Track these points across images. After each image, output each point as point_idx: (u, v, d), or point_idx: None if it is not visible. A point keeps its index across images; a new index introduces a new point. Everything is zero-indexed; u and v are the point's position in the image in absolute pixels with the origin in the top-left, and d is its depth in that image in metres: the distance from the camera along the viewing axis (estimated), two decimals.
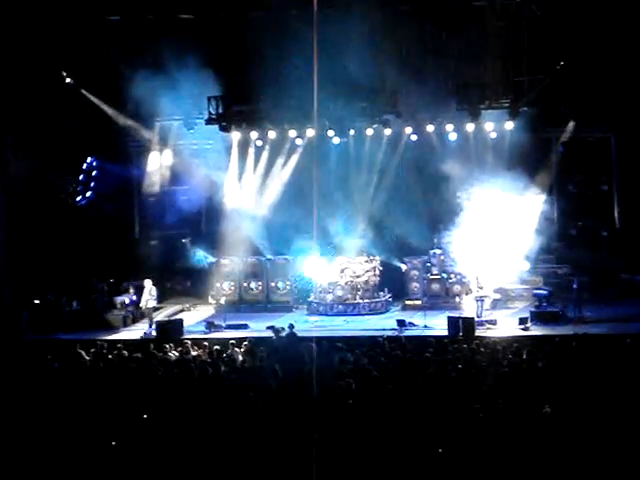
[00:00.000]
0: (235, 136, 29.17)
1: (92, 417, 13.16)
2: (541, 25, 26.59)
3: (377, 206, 29.13)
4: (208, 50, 27.35)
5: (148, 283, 26.03)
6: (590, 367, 15.62)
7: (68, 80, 28.23)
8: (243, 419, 12.65)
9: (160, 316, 26.64)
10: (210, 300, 28.83)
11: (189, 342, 20.65)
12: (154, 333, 24.12)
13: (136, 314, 26.93)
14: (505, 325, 24.14)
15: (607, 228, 29.77)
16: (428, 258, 28.46)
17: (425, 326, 24.48)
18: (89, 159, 29.92)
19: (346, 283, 28.14)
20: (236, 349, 19.65)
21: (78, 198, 29.58)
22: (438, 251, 28.11)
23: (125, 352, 19.16)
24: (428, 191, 27.97)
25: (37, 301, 25.95)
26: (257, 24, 27.20)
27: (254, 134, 29.22)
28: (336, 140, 29.01)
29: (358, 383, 14.31)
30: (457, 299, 26.96)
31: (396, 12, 27.07)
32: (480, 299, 24.92)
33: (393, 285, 28.77)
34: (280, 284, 29.11)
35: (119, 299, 26.94)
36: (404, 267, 28.80)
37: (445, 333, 22.72)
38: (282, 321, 23.88)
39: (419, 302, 27.93)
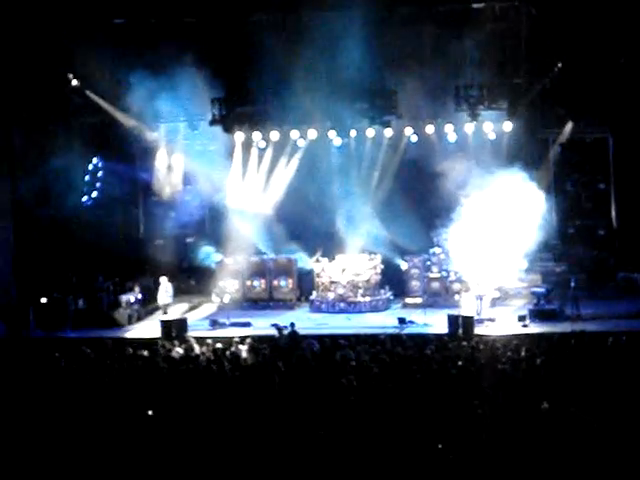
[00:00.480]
0: (238, 137, 29.46)
1: (96, 415, 13.08)
2: (539, 27, 26.69)
3: (378, 205, 29.38)
4: (211, 52, 27.59)
5: (164, 280, 26.42)
6: (587, 364, 15.71)
7: (74, 82, 28.52)
8: (246, 416, 12.69)
9: (177, 313, 26.94)
10: (214, 298, 29.14)
11: (193, 339, 20.81)
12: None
13: (141, 312, 27.31)
14: (504, 323, 24.30)
15: (604, 227, 30.00)
16: (428, 257, 28.62)
17: (425, 324, 24.71)
18: (95, 160, 30.19)
19: (347, 281, 28.45)
20: (240, 346, 19.84)
21: (84, 198, 29.88)
22: (438, 250, 28.24)
23: (130, 349, 19.37)
24: (428, 191, 28.02)
25: (44, 299, 26.14)
26: (260, 26, 27.36)
27: (257, 135, 29.50)
28: (337, 141, 29.33)
29: (359, 380, 14.47)
30: (457, 297, 27.06)
31: (396, 14, 27.12)
32: (479, 297, 25.09)
33: (394, 283, 29.03)
34: (283, 282, 29.46)
35: (124, 297, 27.02)
36: (405, 265, 28.99)
37: (445, 331, 22.87)
38: (284, 319, 24.15)
39: (419, 300, 28.14)
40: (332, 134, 29.03)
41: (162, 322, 24.44)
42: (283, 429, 12.10)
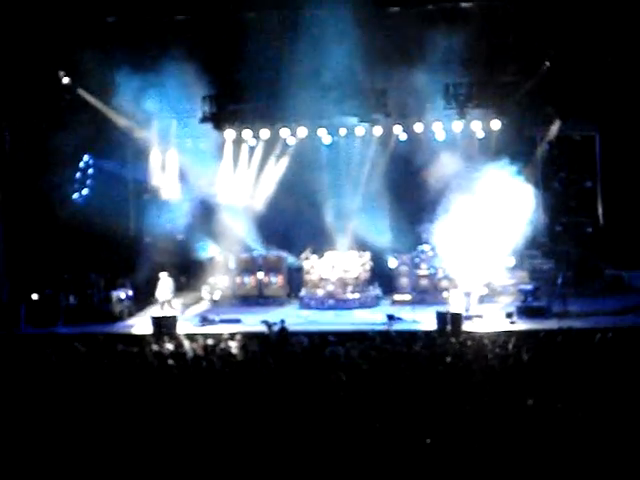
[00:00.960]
0: (229, 134, 29.52)
1: (88, 411, 13.11)
2: (527, 26, 26.86)
3: (367, 203, 29.52)
4: (202, 50, 27.59)
5: (164, 275, 26.56)
6: (574, 361, 15.85)
7: (65, 80, 28.52)
8: (236, 411, 12.82)
9: (173, 309, 27.00)
10: (204, 295, 29.27)
11: (183, 336, 20.92)
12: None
13: (132, 309, 27.44)
14: (492, 319, 24.43)
15: (591, 224, 30.10)
16: (417, 254, 28.80)
17: (414, 320, 24.77)
18: (85, 157, 30.23)
19: (337, 278, 28.61)
20: (229, 342, 19.94)
21: (75, 195, 29.95)
22: (426, 247, 28.46)
23: (121, 345, 19.44)
24: (416, 189, 28.29)
25: (35, 296, 26.22)
26: (250, 25, 27.41)
27: (247, 133, 29.61)
28: (327, 139, 29.51)
29: (348, 376, 14.60)
30: (445, 294, 27.07)
31: (385, 13, 27.32)
32: (467, 294, 25.27)
33: (383, 280, 29.27)
34: (272, 279, 29.60)
35: (115, 294, 27.11)
36: (393, 263, 29.14)
37: (434, 327, 22.98)
38: (274, 315, 24.19)
39: (408, 297, 28.34)
40: (322, 132, 29.21)
41: (153, 319, 24.54)
42: (273, 424, 12.16)
